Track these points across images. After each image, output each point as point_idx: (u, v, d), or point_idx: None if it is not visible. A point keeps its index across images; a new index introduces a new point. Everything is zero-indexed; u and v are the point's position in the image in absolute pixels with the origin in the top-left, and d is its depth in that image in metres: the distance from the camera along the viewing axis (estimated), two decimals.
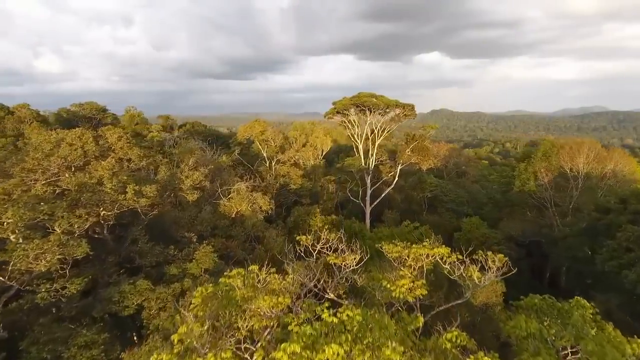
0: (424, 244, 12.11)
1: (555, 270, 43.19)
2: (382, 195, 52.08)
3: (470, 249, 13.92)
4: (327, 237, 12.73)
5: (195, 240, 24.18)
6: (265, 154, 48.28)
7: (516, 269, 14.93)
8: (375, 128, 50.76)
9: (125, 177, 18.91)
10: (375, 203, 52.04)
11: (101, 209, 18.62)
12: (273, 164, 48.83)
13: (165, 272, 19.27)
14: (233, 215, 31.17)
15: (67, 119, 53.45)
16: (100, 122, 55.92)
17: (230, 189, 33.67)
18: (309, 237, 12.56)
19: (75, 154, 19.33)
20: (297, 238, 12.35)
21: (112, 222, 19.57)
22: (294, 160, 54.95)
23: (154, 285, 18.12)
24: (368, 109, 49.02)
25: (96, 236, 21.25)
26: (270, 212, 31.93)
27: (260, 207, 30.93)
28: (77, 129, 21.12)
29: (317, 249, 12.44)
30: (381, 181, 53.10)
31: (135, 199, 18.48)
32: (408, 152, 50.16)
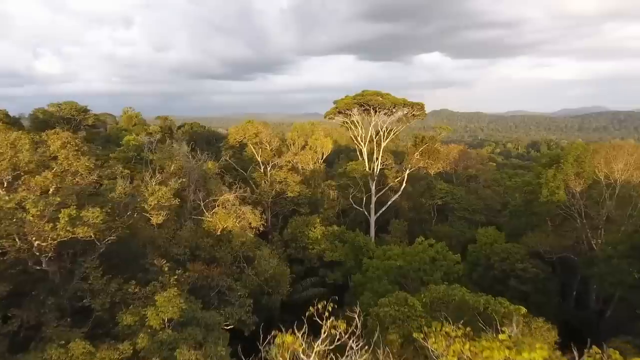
0: (501, 336, 7.12)
1: (583, 288, 38.65)
2: (389, 202, 47.53)
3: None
4: (330, 326, 7.68)
5: (167, 268, 19.60)
6: (259, 159, 43.72)
7: None
8: (381, 129, 46.29)
9: (58, 199, 14.40)
10: (381, 211, 47.52)
11: (33, 238, 14.10)
12: (268, 169, 44.28)
13: (117, 320, 14.73)
14: (218, 233, 26.62)
15: (44, 121, 48.91)
16: (81, 123, 51.45)
17: (216, 200, 29.14)
18: (300, 343, 7.25)
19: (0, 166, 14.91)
20: (282, 340, 7.32)
21: (50, 254, 15.03)
22: (292, 165, 50.43)
23: (100, 340, 13.58)
24: (373, 109, 44.53)
25: (37, 268, 16.72)
26: (261, 228, 27.43)
27: (250, 224, 26.36)
28: (14, 133, 16.71)
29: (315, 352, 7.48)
30: (387, 187, 48.55)
31: (69, 228, 13.97)
32: (417, 155, 45.64)
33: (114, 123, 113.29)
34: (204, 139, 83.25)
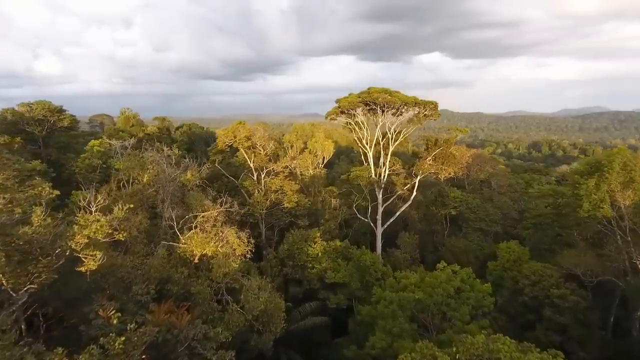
0: None
1: (622, 313, 33.69)
2: (397, 213, 42.52)
3: None
4: None
5: (117, 320, 14.62)
6: (252, 165, 38.71)
7: None
8: (388, 131, 41.33)
9: None
10: (389, 222, 42.48)
11: None
12: (262, 176, 39.29)
13: None
14: (196, 260, 21.64)
15: (12, 122, 43.98)
16: (55, 124, 46.46)
17: (197, 217, 24.11)
18: None
19: None
20: None
21: None
22: (290, 170, 45.47)
23: None
24: (380, 108, 39.57)
25: None
26: (247, 255, 22.38)
27: (234, 250, 21.30)
28: None
29: None
30: (395, 196, 43.55)
31: None
32: (429, 160, 40.65)
33: (111, 124, 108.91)
34: (202, 140, 79.48)
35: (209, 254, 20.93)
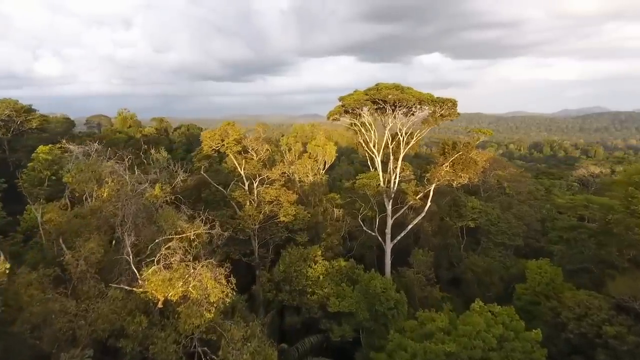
0: None
1: None
2: (409, 226, 37.30)
3: None
4: None
5: None
6: (242, 172, 33.52)
7: None
8: (399, 133, 36.21)
9: None
10: (400, 236, 37.26)
11: None
12: (255, 185, 34.10)
13: None
14: (160, 305, 16.46)
15: None
16: (23, 125, 41.25)
17: (170, 240, 18.96)
18: None
19: None
20: None
21: None
22: (288, 176, 40.35)
23: None
24: (390, 107, 34.45)
25: None
26: (227, 300, 17.03)
27: (207, 295, 15.88)
28: None
29: None
30: (406, 206, 38.35)
31: None
32: (446, 167, 35.48)
33: (109, 125, 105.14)
34: (200, 141, 75.00)
35: (175, 296, 15.79)
